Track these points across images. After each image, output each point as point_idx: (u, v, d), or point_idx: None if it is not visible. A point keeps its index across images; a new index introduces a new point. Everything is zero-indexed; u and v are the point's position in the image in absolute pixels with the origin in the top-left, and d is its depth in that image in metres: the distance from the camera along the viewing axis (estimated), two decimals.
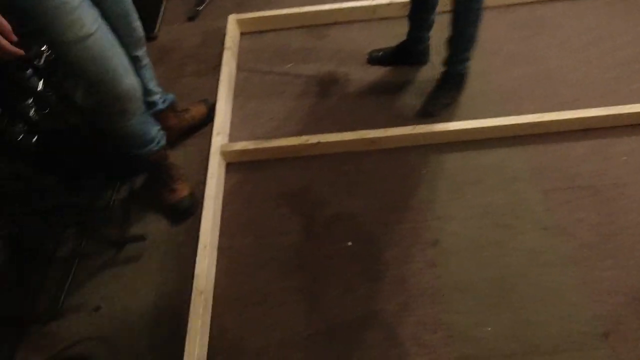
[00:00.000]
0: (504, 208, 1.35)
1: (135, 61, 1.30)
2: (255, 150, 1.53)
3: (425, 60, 1.73)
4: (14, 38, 0.83)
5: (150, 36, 2.13)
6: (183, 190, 1.44)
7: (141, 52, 1.33)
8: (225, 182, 1.52)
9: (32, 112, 1.21)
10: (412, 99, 1.64)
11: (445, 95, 1.56)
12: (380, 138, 1.49)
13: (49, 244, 1.30)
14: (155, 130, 1.30)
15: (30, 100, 1.21)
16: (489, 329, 1.14)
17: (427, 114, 1.54)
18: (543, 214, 1.33)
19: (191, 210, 1.42)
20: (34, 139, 1.15)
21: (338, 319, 1.18)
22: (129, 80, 1.11)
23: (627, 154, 1.43)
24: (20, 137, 1.16)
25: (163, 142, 1.35)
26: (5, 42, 0.82)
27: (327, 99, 1.70)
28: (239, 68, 1.87)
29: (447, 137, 1.50)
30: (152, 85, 1.45)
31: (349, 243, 1.33)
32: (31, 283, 1.26)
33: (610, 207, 1.32)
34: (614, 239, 1.26)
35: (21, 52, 0.85)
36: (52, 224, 1.18)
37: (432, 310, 1.17)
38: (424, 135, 1.49)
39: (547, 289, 1.19)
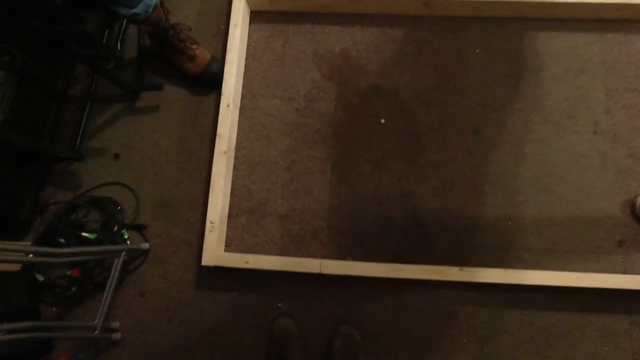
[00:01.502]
0: (559, 103, 1.22)
1: None
2: None
3: None
4: None
5: None
6: (204, 54, 1.24)
7: None
8: (250, 35, 1.33)
9: None
10: None
11: None
12: (436, 2, 1.25)
13: (59, 79, 1.18)
14: None
15: None
16: (510, 223, 1.15)
17: None
18: (599, 116, 1.21)
19: (222, 74, 1.22)
20: None
21: (365, 193, 1.17)
22: None
23: None
24: None
25: None
26: None
27: None
28: None
29: (514, 10, 1.26)
30: None
31: (382, 120, 1.23)
32: (46, 121, 1.19)
33: None
34: None
35: None
36: (59, 51, 1.03)
37: (461, 199, 1.15)
38: (488, 3, 1.25)
39: (580, 192, 1.16)
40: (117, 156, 1.25)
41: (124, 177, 1.23)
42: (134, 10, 1.03)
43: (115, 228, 1.17)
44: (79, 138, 1.24)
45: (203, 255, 1.10)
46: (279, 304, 1.11)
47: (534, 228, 1.14)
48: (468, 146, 1.19)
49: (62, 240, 1.15)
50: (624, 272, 1.11)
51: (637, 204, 1.13)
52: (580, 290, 1.06)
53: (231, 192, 1.20)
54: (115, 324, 1.11)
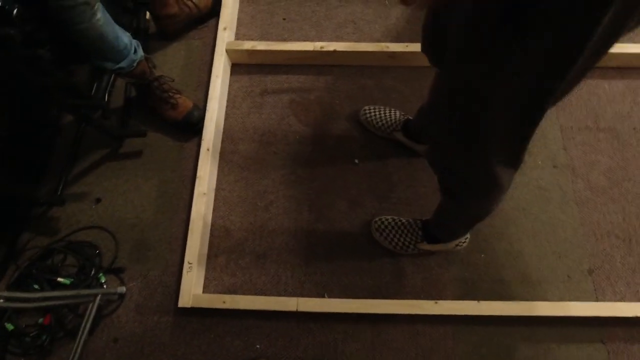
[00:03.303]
0: None
1: None
2: (265, 52, 1.40)
3: None
4: None
5: None
6: (186, 103, 1.32)
7: None
8: (231, 85, 1.43)
9: None
10: None
11: None
12: (402, 53, 1.38)
13: (48, 128, 1.23)
14: (127, 37, 1.12)
15: None
16: (483, 255, 1.18)
17: None
18: (557, 152, 1.30)
19: (202, 121, 1.30)
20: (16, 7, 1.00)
21: (341, 231, 1.21)
22: None
23: None
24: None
25: (141, 52, 1.18)
26: None
27: (351, 5, 1.53)
28: None
29: None
30: None
31: (356, 161, 1.30)
32: (32, 167, 1.22)
33: (626, 152, 1.30)
34: (623, 184, 1.26)
35: None
36: (49, 102, 1.09)
37: None
38: None
39: (545, 224, 1.21)
40: (98, 200, 1.27)
41: (104, 221, 1.25)
42: (119, 65, 1.11)
43: (92, 272, 1.16)
44: (62, 183, 1.26)
45: (180, 296, 1.10)
46: (257, 346, 1.10)
47: (505, 260, 1.17)
48: (437, 183, 1.25)
49: (36, 286, 1.14)
50: (596, 300, 1.14)
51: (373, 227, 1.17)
52: (555, 320, 1.08)
53: (210, 233, 1.22)
54: None
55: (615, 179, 1.26)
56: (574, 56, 0.47)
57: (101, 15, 1.01)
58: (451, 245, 1.12)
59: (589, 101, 1.37)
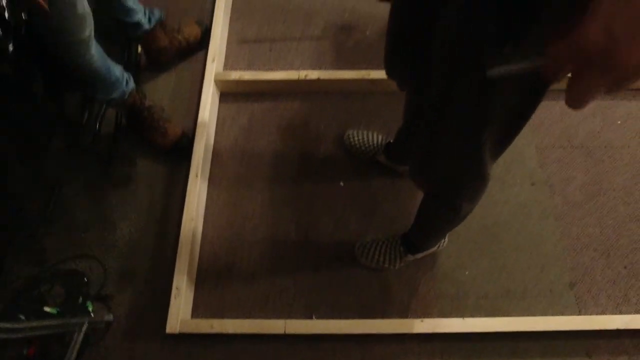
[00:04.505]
0: (498, 160, 1.36)
1: None
2: (252, 81, 1.46)
3: None
4: None
5: None
6: (175, 130, 1.37)
7: None
8: (219, 112, 1.47)
9: (7, 14, 1.10)
10: None
11: None
12: (382, 80, 1.44)
13: (36, 155, 1.25)
14: (118, 70, 1.18)
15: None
16: (467, 272, 1.21)
17: None
18: (534, 170, 1.35)
19: (191, 148, 1.34)
20: (11, 43, 1.04)
21: (328, 250, 1.23)
22: (84, 4, 0.99)
23: (622, 118, 1.43)
24: None
25: (132, 84, 1.24)
26: None
27: (336, 36, 1.61)
28: None
29: None
30: (131, 2, 1.32)
31: (341, 183, 1.34)
32: (16, 193, 1.23)
33: (599, 168, 1.35)
34: (598, 199, 1.31)
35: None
36: (39, 130, 1.12)
37: None
38: None
39: (526, 239, 1.25)
40: (87, 229, 1.28)
41: (92, 249, 1.25)
42: (110, 96, 1.15)
43: (80, 300, 1.16)
44: (49, 211, 1.27)
45: (168, 322, 1.09)
46: None
47: (489, 276, 1.20)
48: (419, 202, 1.29)
49: (22, 316, 1.13)
50: (579, 313, 1.16)
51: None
52: (539, 335, 1.09)
53: (199, 257, 1.24)
54: None
55: (590, 194, 1.31)
56: None
57: (95, 50, 1.06)
58: (434, 248, 1.16)
59: (561, 121, 1.44)
